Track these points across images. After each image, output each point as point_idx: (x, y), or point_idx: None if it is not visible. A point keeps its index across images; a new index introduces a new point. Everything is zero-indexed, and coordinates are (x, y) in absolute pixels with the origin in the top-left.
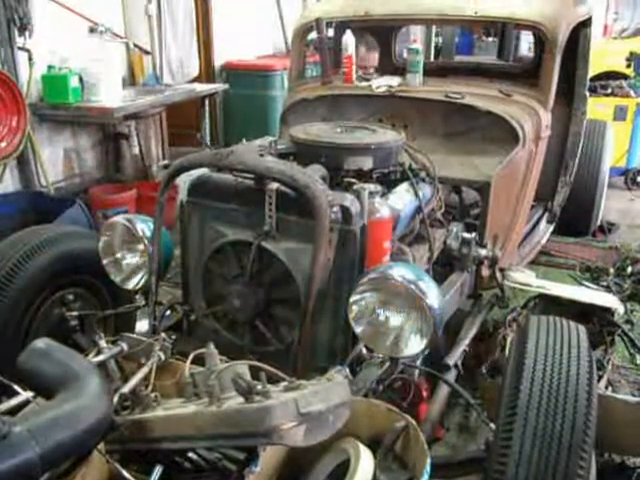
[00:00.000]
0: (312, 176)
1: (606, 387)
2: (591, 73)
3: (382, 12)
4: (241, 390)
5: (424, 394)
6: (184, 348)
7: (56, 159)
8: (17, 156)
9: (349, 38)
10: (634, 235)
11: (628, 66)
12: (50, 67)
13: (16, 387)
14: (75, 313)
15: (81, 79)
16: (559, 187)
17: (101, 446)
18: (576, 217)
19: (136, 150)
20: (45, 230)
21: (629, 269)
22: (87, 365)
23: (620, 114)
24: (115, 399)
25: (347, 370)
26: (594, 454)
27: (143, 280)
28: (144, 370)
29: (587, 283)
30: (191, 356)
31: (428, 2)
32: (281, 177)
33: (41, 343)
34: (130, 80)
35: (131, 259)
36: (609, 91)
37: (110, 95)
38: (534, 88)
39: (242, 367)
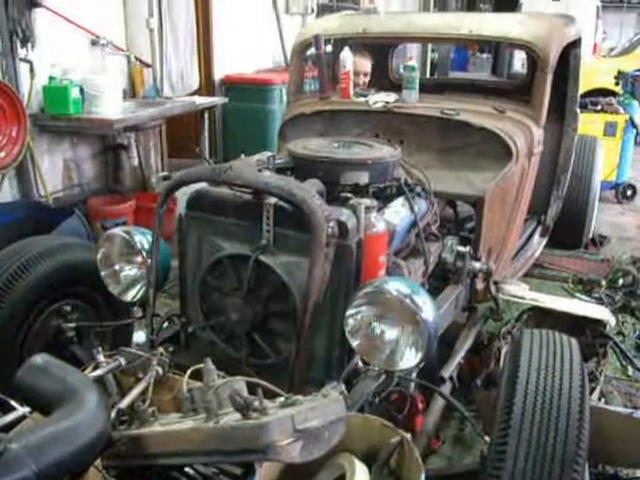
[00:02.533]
0: (309, 191)
1: (599, 398)
2: (582, 90)
3: (379, 30)
4: (238, 406)
5: (420, 406)
6: (181, 360)
7: (55, 169)
8: (16, 166)
9: (347, 55)
10: (625, 247)
11: (616, 84)
12: (51, 78)
13: (13, 402)
14: (72, 325)
15: (82, 90)
16: (552, 201)
17: (98, 462)
18: (568, 230)
19: (135, 161)
20: (43, 241)
21: (620, 281)
22: (85, 381)
23: (610, 130)
24: (113, 414)
25: (343, 386)
26: (587, 466)
27: (141, 292)
28: (142, 385)
29: (580, 295)
30: (188, 372)
31: (424, 21)
32: (279, 192)
33: (39, 359)
34: (131, 92)
35: (129, 271)
36: (599, 108)
37: (110, 107)
38: (527, 105)
39: (239, 383)
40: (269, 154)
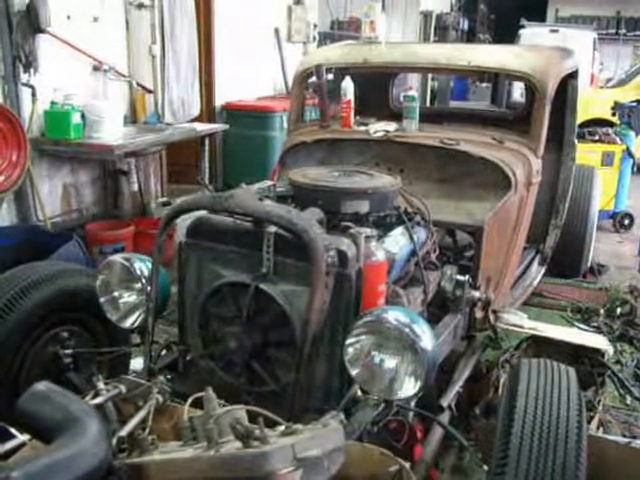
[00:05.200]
0: (310, 220)
1: (598, 427)
2: (579, 120)
3: (380, 60)
4: (239, 435)
5: (418, 435)
6: (180, 388)
7: (55, 194)
8: (15, 190)
9: (348, 84)
10: (623, 276)
11: (613, 114)
12: (53, 103)
13: (12, 430)
14: (69, 351)
15: (83, 116)
16: (550, 230)
17: None
18: (567, 259)
19: (135, 187)
20: (42, 266)
21: (618, 310)
22: (87, 409)
23: (607, 160)
24: (113, 442)
25: (342, 415)
26: None
27: (140, 319)
28: (142, 413)
29: (578, 324)
30: (189, 400)
31: (424, 52)
32: (279, 221)
33: (42, 386)
34: (132, 118)
35: (128, 298)
36: (597, 138)
37: (111, 132)
38: (525, 135)
39: (240, 412)
40: (270, 183)
